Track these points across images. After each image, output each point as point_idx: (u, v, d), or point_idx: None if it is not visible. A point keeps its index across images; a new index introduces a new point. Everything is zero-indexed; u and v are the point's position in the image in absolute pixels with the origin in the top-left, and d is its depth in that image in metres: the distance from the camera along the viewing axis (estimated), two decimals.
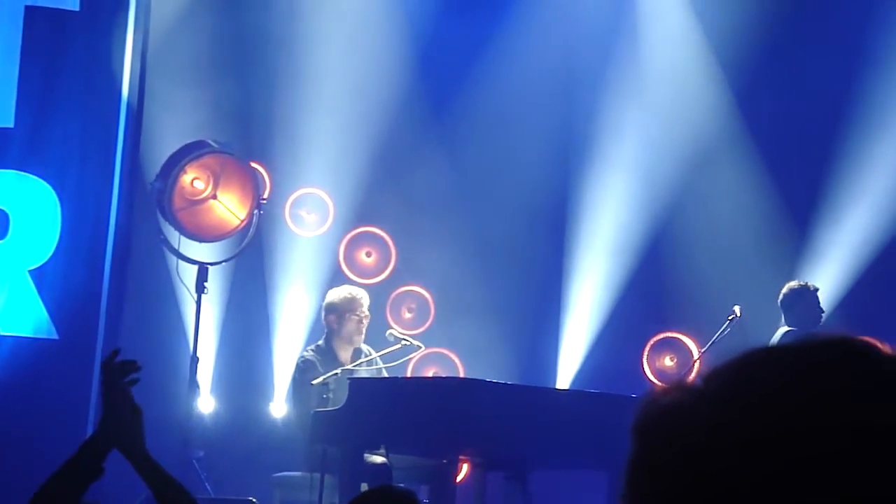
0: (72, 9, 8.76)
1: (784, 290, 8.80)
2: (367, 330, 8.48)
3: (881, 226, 10.32)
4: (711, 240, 10.47)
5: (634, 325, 10.37)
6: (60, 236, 8.60)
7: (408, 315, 10.41)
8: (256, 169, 9.37)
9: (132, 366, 3.21)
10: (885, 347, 1.00)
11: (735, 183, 10.61)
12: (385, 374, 8.44)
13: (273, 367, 9.99)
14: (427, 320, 10.37)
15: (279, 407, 9.75)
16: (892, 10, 10.27)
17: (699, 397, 0.99)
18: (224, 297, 9.92)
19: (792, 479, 0.93)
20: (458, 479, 8.07)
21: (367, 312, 8.44)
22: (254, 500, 7.69)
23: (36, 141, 8.67)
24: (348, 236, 10.42)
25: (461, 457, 7.93)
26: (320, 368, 8.12)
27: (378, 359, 8.45)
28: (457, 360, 10.26)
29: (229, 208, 8.83)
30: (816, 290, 8.80)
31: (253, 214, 8.86)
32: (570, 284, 10.57)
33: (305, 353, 8.45)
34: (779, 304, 8.84)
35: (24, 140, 8.68)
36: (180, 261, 8.86)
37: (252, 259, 9.90)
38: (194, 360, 8.66)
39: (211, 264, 8.86)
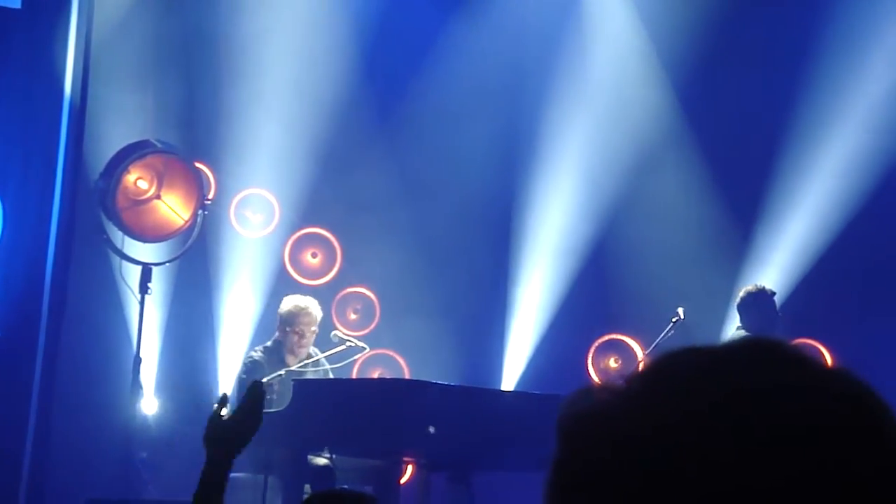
0: (13, 6, 8.67)
1: (741, 294, 8.82)
2: None
3: (823, 228, 10.42)
4: (656, 242, 10.53)
5: (579, 327, 10.41)
6: (2, 235, 8.51)
7: (353, 316, 10.40)
8: (201, 169, 9.32)
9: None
10: (813, 351, 1.01)
11: (679, 186, 10.68)
12: (330, 376, 8.42)
13: (217, 368, 9.94)
14: (372, 321, 10.36)
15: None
16: (834, 13, 10.37)
17: (619, 398, 1.00)
18: (168, 297, 9.86)
19: (698, 479, 0.93)
20: (402, 480, 8.07)
21: (314, 328, 8.37)
22: None
23: None
24: (293, 237, 10.39)
25: (405, 458, 7.93)
26: (267, 369, 8.09)
27: (323, 360, 8.43)
28: (402, 362, 10.25)
29: (173, 208, 8.77)
30: (773, 294, 8.83)
31: (197, 215, 8.81)
32: (515, 286, 10.60)
33: (253, 354, 8.42)
34: (736, 306, 8.86)
35: None
36: (123, 261, 8.80)
37: (196, 260, 9.84)
38: (137, 360, 8.60)
39: (155, 265, 8.80)
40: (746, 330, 8.70)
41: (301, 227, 10.42)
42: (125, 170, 8.59)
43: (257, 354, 8.35)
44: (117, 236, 8.73)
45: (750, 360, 0.99)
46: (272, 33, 10.13)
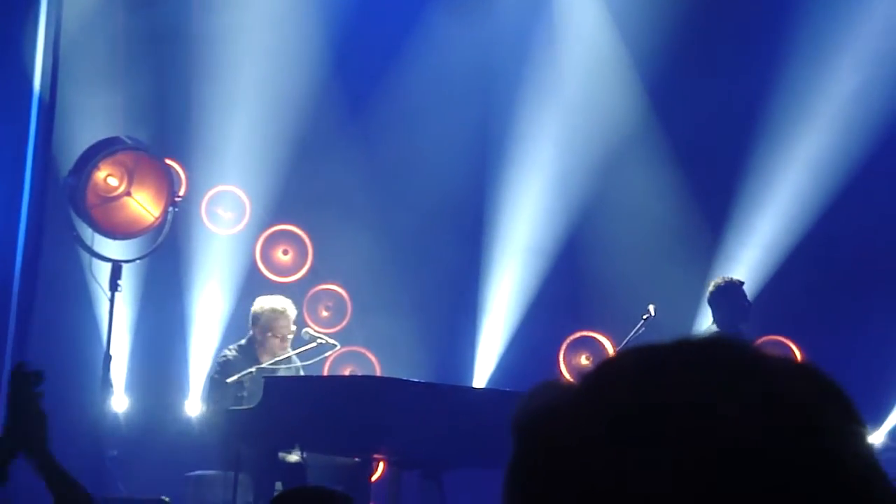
0: None
1: (710, 288, 8.84)
2: None
3: (792, 226, 10.48)
4: (626, 240, 10.56)
5: (551, 324, 10.43)
6: None
7: (325, 313, 10.38)
8: (171, 166, 9.28)
9: (40, 377, 3.23)
10: (769, 351, 1.01)
11: (649, 184, 10.71)
12: (302, 373, 8.41)
13: (188, 366, 9.92)
14: (344, 318, 10.36)
15: (194, 405, 9.68)
16: (802, 14, 10.43)
17: (572, 396, 1.00)
18: (138, 294, 9.83)
19: (640, 478, 0.93)
20: (374, 478, 8.07)
21: (291, 329, 8.35)
22: (167, 499, 7.62)
23: None
24: (265, 234, 10.36)
25: (376, 456, 7.92)
26: (240, 367, 8.08)
27: (294, 357, 8.42)
28: (373, 359, 10.25)
29: (144, 205, 8.74)
30: (741, 283, 8.86)
31: (168, 212, 8.78)
32: (487, 283, 10.61)
33: (227, 352, 8.40)
34: (707, 301, 8.88)
35: None
36: (93, 258, 8.76)
37: (167, 257, 9.81)
38: (107, 358, 8.55)
39: (125, 262, 8.76)
40: (718, 323, 8.73)
41: (272, 224, 10.40)
42: (95, 166, 8.55)
43: (231, 353, 8.32)
44: (87, 233, 8.69)
45: (692, 363, 0.99)
46: (242, 30, 10.11)
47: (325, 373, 9.55)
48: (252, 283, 10.04)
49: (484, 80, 10.63)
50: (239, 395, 7.90)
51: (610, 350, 10.08)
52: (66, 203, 8.61)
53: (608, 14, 10.77)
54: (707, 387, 0.96)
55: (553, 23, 10.77)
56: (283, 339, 8.28)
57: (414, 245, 10.48)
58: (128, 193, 8.71)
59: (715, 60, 10.64)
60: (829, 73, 10.36)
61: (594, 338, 10.38)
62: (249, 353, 8.28)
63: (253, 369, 8.03)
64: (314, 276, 10.44)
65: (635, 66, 10.74)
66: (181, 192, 9.31)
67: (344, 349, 9.46)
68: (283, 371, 8.28)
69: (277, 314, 8.30)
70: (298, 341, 8.43)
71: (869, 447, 0.99)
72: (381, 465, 8.51)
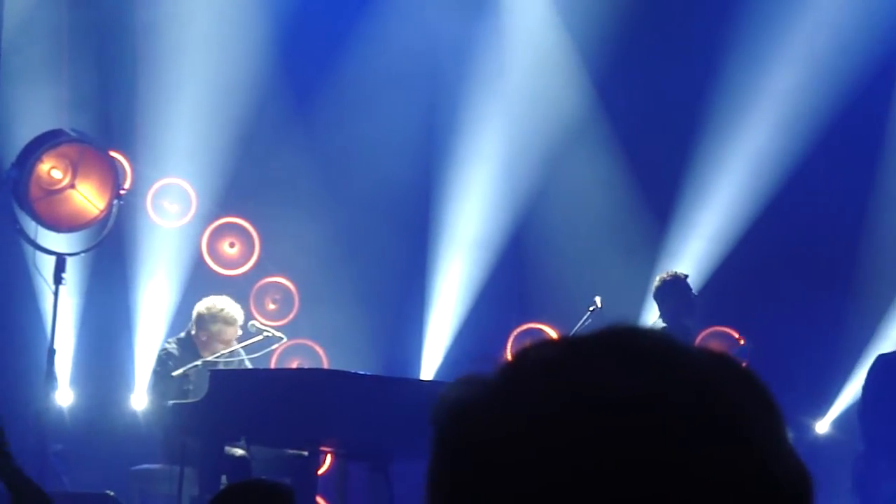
0: None
1: (656, 283, 8.87)
2: None
3: (736, 218, 10.56)
4: (573, 232, 10.61)
5: (498, 316, 10.46)
6: None
7: (272, 306, 10.35)
8: (116, 158, 9.22)
9: None
10: (690, 344, 1.00)
11: (595, 176, 10.76)
12: (248, 366, 8.37)
13: (134, 359, 9.86)
14: (291, 311, 10.33)
15: (139, 399, 9.62)
16: (744, 8, 10.51)
17: (489, 390, 1.00)
18: (83, 288, 9.76)
19: (547, 473, 0.93)
20: (321, 470, 8.06)
21: (238, 331, 8.26)
22: (111, 493, 7.58)
23: None
24: (211, 227, 10.31)
25: (323, 448, 7.92)
26: (182, 361, 8.03)
27: (241, 350, 8.38)
28: (321, 352, 10.23)
29: (88, 198, 8.68)
30: (686, 277, 8.89)
31: (112, 204, 8.72)
32: (434, 275, 10.61)
33: (167, 345, 8.35)
34: (652, 297, 8.91)
35: None
36: (37, 251, 8.68)
37: (112, 250, 9.75)
38: (52, 352, 8.49)
39: (69, 255, 8.70)
40: (665, 318, 8.77)
41: (218, 217, 10.35)
42: (38, 159, 8.47)
43: (171, 346, 8.27)
44: (31, 226, 8.62)
45: (609, 357, 0.98)
46: (187, 21, 10.05)
47: (273, 366, 9.52)
48: (198, 276, 10.00)
49: (430, 72, 10.63)
50: (184, 388, 7.86)
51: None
52: (9, 196, 8.53)
53: (553, 6, 10.80)
54: (625, 382, 0.96)
55: (498, 15, 10.78)
56: (228, 343, 8.22)
57: (361, 237, 10.46)
58: (72, 186, 8.64)
59: (659, 53, 10.69)
60: (768, 67, 10.46)
61: (541, 329, 10.41)
62: (190, 347, 8.22)
63: (199, 362, 7.99)
64: (261, 269, 10.40)
65: (580, 59, 10.78)
66: (126, 185, 9.25)
67: (291, 342, 9.44)
68: (228, 364, 8.24)
69: (225, 324, 8.17)
70: (245, 334, 8.40)
71: (790, 443, 0.99)
72: (329, 457, 8.50)
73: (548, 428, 0.94)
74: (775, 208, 10.48)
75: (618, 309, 9.25)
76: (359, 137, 10.51)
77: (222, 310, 8.22)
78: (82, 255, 9.02)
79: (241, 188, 10.31)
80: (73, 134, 8.68)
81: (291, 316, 10.28)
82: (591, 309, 8.62)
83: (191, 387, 7.85)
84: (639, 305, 9.88)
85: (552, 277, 10.49)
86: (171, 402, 7.74)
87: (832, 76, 10.41)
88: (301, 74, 10.52)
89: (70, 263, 8.70)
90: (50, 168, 8.58)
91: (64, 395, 9.42)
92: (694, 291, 8.92)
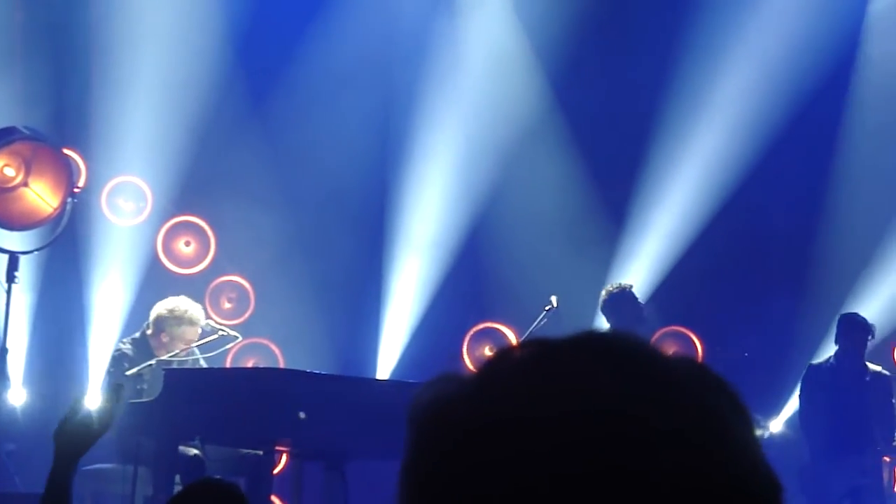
0: None
1: (602, 295, 8.91)
2: None
3: (692, 218, 10.62)
4: (529, 232, 10.63)
5: (454, 316, 10.47)
6: None
7: (227, 305, 10.31)
8: (71, 156, 9.15)
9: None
10: (658, 348, 1.01)
11: (552, 176, 10.79)
12: (203, 365, 8.33)
13: (88, 359, 9.79)
14: (247, 310, 10.29)
15: (94, 399, 9.54)
16: (699, 10, 10.57)
17: (466, 390, 1.00)
18: (36, 286, 9.69)
19: (522, 474, 0.94)
20: (276, 470, 8.03)
21: (198, 334, 8.21)
22: None
23: None
24: (167, 225, 10.26)
25: (279, 447, 7.89)
26: (136, 361, 7.98)
27: (195, 349, 8.33)
28: (277, 351, 10.20)
29: (41, 196, 8.60)
30: (631, 287, 8.94)
31: (66, 202, 8.64)
32: (390, 274, 10.61)
33: (121, 345, 8.28)
34: (600, 308, 8.93)
35: None
36: None
37: (67, 248, 9.68)
38: (4, 351, 8.42)
39: (22, 253, 8.62)
40: (612, 327, 8.80)
41: (174, 216, 10.30)
42: None
43: (126, 346, 8.21)
44: None
45: (588, 362, 0.99)
46: (142, 17, 9.99)
47: (228, 365, 9.48)
48: (154, 275, 9.95)
49: (386, 70, 10.63)
50: (138, 387, 7.81)
51: (513, 341, 10.13)
52: None
53: (510, 6, 10.82)
54: (602, 386, 0.96)
55: (454, 14, 10.79)
56: (189, 343, 8.17)
57: (317, 236, 10.45)
58: (25, 184, 8.57)
59: (614, 54, 10.74)
60: (723, 69, 10.54)
61: (497, 329, 10.43)
62: (144, 347, 8.16)
63: (153, 361, 7.94)
64: (217, 268, 10.36)
65: (537, 59, 10.80)
66: (80, 183, 9.19)
67: (247, 341, 9.40)
68: (183, 363, 8.19)
69: (190, 325, 8.10)
70: (200, 333, 8.35)
71: (761, 450, 1.00)
72: (284, 456, 8.47)
73: (524, 429, 0.95)
74: (729, 209, 10.55)
75: (574, 308, 9.28)
76: (315, 135, 10.49)
77: (186, 311, 8.16)
78: (36, 253, 8.94)
79: (197, 186, 10.27)
80: (26, 132, 8.60)
81: (247, 315, 10.25)
82: (546, 308, 8.64)
83: (145, 386, 7.80)
84: (594, 305, 9.91)
85: (508, 277, 10.51)
86: (126, 401, 7.69)
87: (785, 78, 10.50)
88: (257, 71, 10.49)
89: (23, 262, 8.62)
90: (3, 166, 8.51)
91: (16, 395, 9.34)
92: (640, 300, 8.96)
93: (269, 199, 10.38)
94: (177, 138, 10.11)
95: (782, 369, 10.41)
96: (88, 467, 8.19)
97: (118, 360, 8.11)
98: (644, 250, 10.58)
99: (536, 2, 10.71)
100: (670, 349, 10.75)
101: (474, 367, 1.04)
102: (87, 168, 9.79)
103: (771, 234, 10.71)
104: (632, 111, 10.64)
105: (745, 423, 0.99)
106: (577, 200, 10.78)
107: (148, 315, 8.31)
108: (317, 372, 7.96)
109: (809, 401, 9.16)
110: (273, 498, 7.86)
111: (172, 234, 10.29)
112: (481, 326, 10.46)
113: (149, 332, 8.21)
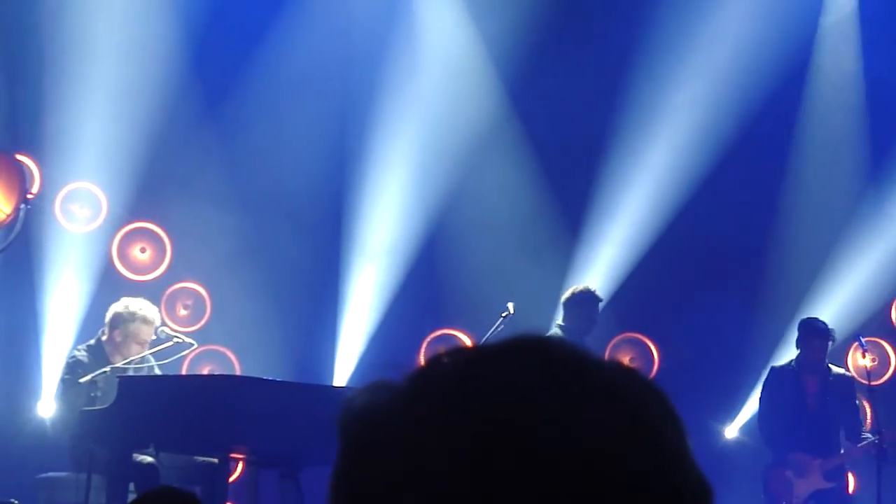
0: None
1: (572, 290, 9.02)
2: None
3: (649, 224, 10.67)
4: (486, 238, 10.65)
5: (411, 322, 10.46)
6: None
7: (183, 312, 10.26)
8: (23, 162, 9.09)
9: None
10: (587, 352, 1.01)
11: (508, 182, 10.81)
12: (157, 372, 8.28)
13: (41, 366, 9.71)
14: (203, 317, 10.25)
15: (47, 406, 9.48)
16: (659, 11, 10.62)
17: (396, 398, 1.00)
18: None
19: (450, 481, 0.93)
20: (232, 477, 8.00)
21: (154, 335, 8.17)
22: (16, 501, 7.46)
23: None
24: (121, 232, 10.20)
25: (234, 455, 7.86)
26: (91, 368, 7.92)
27: (150, 356, 8.28)
28: (233, 358, 10.16)
29: None
30: (600, 300, 9.04)
31: (19, 209, 8.58)
32: (346, 281, 10.59)
33: (76, 352, 8.22)
34: (562, 302, 9.02)
35: None
36: None
37: (20, 255, 9.60)
38: None
39: None
40: (566, 325, 8.88)
41: (129, 222, 10.24)
42: None
43: (80, 353, 8.15)
44: None
45: (512, 366, 0.98)
46: (95, 21, 9.93)
47: (184, 372, 9.44)
48: (108, 282, 9.88)
49: (342, 75, 10.61)
50: (92, 394, 7.75)
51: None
52: None
53: (467, 11, 10.84)
54: (534, 390, 0.96)
55: (411, 20, 10.80)
56: (143, 344, 8.13)
57: (273, 243, 10.42)
58: None
59: (570, 61, 10.77)
60: (677, 78, 10.61)
61: (454, 335, 10.44)
62: (99, 354, 8.11)
63: (107, 368, 7.89)
64: (172, 274, 10.31)
65: (494, 65, 10.82)
66: (34, 189, 9.13)
67: (203, 348, 9.36)
68: (138, 371, 8.14)
69: (144, 323, 8.07)
70: (155, 340, 8.30)
71: (692, 454, 1.00)
72: (239, 464, 8.44)
73: (453, 436, 0.94)
74: (684, 217, 10.61)
75: (530, 315, 9.31)
76: (271, 141, 10.47)
77: (140, 308, 8.15)
78: None
79: (152, 192, 10.21)
80: None
81: (203, 322, 10.21)
82: (503, 315, 8.66)
83: (98, 393, 7.74)
84: (551, 312, 9.93)
85: (465, 284, 10.52)
86: (80, 408, 7.63)
87: (737, 90, 10.58)
88: (211, 76, 10.45)
89: None
90: None
91: None
92: (598, 310, 9.03)
93: (225, 205, 10.34)
94: (132, 144, 10.05)
95: (737, 376, 10.48)
96: (42, 475, 8.13)
97: (73, 367, 8.05)
98: (600, 257, 10.62)
99: (492, 9, 10.73)
100: (626, 355, 10.78)
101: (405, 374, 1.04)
102: (41, 174, 9.72)
103: (725, 241, 10.77)
104: (587, 120, 10.67)
105: (677, 430, 1.00)
106: (533, 208, 10.81)
107: (103, 321, 8.27)
108: (273, 379, 7.93)
109: (770, 403, 9.19)
110: None
111: (127, 240, 10.23)
112: (438, 333, 10.46)
113: (104, 337, 8.16)
